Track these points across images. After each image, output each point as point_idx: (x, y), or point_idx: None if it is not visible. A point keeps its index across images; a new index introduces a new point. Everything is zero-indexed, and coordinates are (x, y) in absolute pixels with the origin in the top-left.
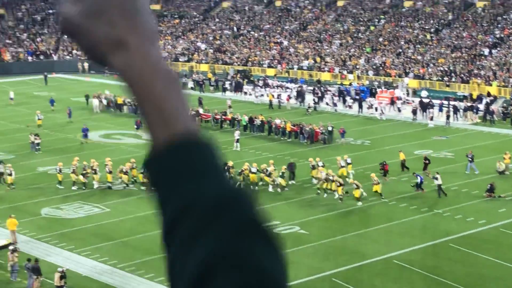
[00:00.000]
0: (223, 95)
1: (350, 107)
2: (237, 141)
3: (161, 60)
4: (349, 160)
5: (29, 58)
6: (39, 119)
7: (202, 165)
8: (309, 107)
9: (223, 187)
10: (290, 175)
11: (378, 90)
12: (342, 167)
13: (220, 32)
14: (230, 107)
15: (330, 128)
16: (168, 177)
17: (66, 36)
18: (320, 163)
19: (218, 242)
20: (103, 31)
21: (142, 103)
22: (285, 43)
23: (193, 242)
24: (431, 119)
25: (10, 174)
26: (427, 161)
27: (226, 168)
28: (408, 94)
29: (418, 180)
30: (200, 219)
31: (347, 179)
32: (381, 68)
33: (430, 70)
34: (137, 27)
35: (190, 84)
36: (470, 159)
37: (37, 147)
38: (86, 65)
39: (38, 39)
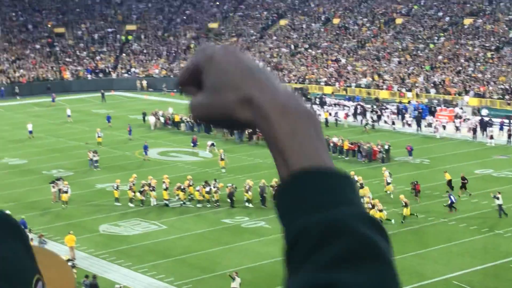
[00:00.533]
0: None
1: (408, 125)
2: None
3: (290, 100)
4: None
5: (89, 76)
6: (99, 137)
7: (331, 194)
8: (366, 125)
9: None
10: None
11: (438, 108)
12: (389, 183)
13: (277, 50)
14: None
15: (386, 147)
16: (292, 205)
17: (198, 121)
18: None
19: (315, 270)
20: (229, 99)
21: (268, 145)
22: (343, 60)
23: (296, 268)
24: (491, 137)
25: (66, 192)
26: (465, 181)
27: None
28: (463, 112)
29: (450, 200)
30: (309, 244)
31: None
32: (440, 86)
33: (490, 88)
34: (258, 80)
35: None
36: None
37: (95, 164)
38: (144, 83)
39: (97, 57)
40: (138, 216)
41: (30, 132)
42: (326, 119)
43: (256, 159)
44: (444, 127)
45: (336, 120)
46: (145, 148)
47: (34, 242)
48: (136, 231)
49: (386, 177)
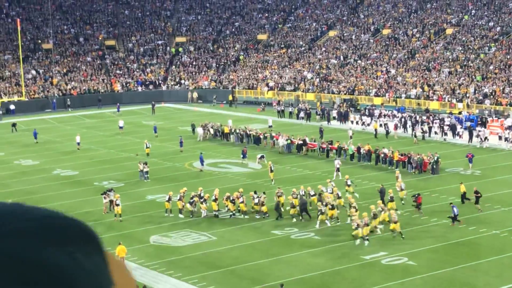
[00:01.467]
0: (329, 124)
1: (460, 136)
2: (338, 170)
3: None
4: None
5: (139, 88)
6: (147, 148)
7: None
8: (415, 136)
9: None
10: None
11: (489, 119)
12: (402, 190)
13: (326, 61)
14: (351, 137)
15: (436, 158)
16: None
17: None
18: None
19: None
20: None
21: None
22: (393, 71)
23: None
24: None
25: (118, 205)
26: (478, 195)
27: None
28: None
29: (453, 212)
30: None
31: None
32: (491, 96)
33: None
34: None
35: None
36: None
37: (146, 176)
38: (195, 94)
39: (148, 69)
40: (188, 227)
41: (78, 143)
42: (376, 130)
43: (305, 170)
44: (487, 138)
45: (386, 131)
46: (201, 159)
47: None
48: (186, 242)
49: (400, 183)
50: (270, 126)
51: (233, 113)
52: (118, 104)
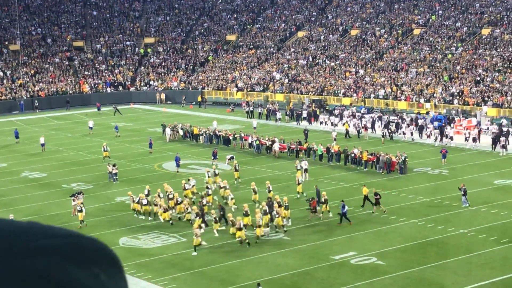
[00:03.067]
0: (298, 125)
1: (428, 136)
2: (306, 171)
3: None
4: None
5: (108, 89)
6: (105, 151)
7: None
8: (383, 136)
9: None
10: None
11: (456, 118)
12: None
13: (295, 61)
14: (335, 139)
15: (403, 158)
16: None
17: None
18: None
19: None
20: None
21: None
22: (361, 72)
23: None
24: (503, 147)
25: (81, 211)
26: (378, 196)
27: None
28: (479, 123)
29: (342, 210)
30: None
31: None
32: (458, 96)
33: (509, 98)
34: None
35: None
36: (463, 192)
37: (115, 177)
38: (163, 95)
39: (116, 71)
40: (158, 229)
41: (43, 145)
42: (347, 130)
43: (275, 171)
44: (452, 138)
45: (358, 131)
46: (177, 160)
47: None
48: (156, 244)
49: (298, 177)
50: (254, 128)
51: (202, 113)
52: (98, 104)
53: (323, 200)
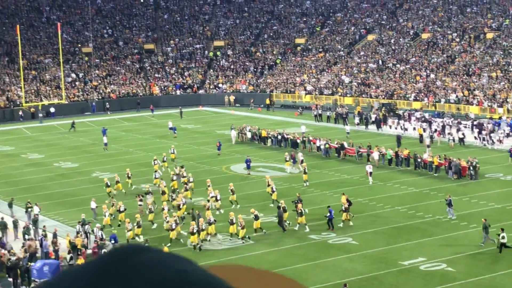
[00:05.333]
0: (367, 129)
1: (500, 141)
2: (370, 174)
3: None
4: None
5: (177, 91)
6: (172, 153)
7: None
8: (453, 141)
9: None
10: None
11: None
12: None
13: (365, 65)
14: (428, 146)
15: (474, 163)
16: None
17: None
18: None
19: None
20: None
21: None
22: (432, 76)
23: None
24: None
25: (151, 211)
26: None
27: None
28: None
29: (329, 216)
30: None
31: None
32: None
33: None
34: None
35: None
36: (448, 203)
37: (183, 179)
38: (232, 98)
39: (186, 73)
40: (226, 231)
41: (105, 144)
42: (421, 135)
43: (343, 175)
44: None
45: (430, 136)
46: (247, 162)
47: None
48: (224, 245)
49: (272, 185)
50: (303, 133)
51: (270, 116)
52: (152, 106)
53: (343, 209)
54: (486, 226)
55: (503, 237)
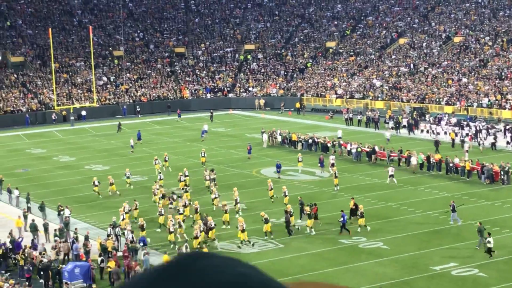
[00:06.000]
0: (398, 133)
1: None
2: (391, 176)
3: None
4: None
5: (207, 95)
6: (203, 156)
7: None
8: (483, 145)
9: None
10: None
11: None
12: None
13: (396, 69)
14: (467, 151)
15: (506, 168)
16: None
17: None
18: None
19: None
20: None
21: None
22: (464, 80)
23: None
24: None
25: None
26: (354, 207)
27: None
28: None
29: (342, 219)
30: None
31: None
32: None
33: None
34: None
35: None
36: (452, 209)
37: (213, 182)
38: (262, 101)
39: (216, 77)
40: (256, 235)
41: (132, 146)
42: (453, 139)
43: (374, 179)
44: None
45: (462, 141)
46: (278, 166)
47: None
48: (254, 249)
49: (270, 183)
50: (339, 137)
51: (301, 120)
52: (179, 110)
53: (359, 214)
54: (481, 230)
55: (488, 242)
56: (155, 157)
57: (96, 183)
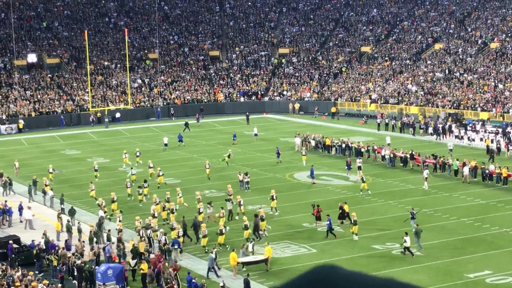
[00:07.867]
0: (433, 139)
1: None
2: (426, 179)
3: None
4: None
5: (241, 98)
6: (228, 157)
7: None
8: (510, 150)
9: None
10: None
11: None
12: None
13: (431, 74)
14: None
15: None
16: None
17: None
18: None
19: None
20: None
21: None
22: (500, 86)
23: None
24: None
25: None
26: (341, 211)
27: None
28: None
29: (328, 223)
30: None
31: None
32: None
33: None
34: None
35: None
36: (411, 216)
37: (246, 186)
38: (296, 105)
39: (251, 80)
40: (288, 239)
41: (166, 145)
42: (487, 146)
43: (408, 185)
44: None
45: (498, 148)
46: (312, 171)
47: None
48: (286, 253)
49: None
50: (388, 144)
51: (335, 125)
52: (197, 115)
53: (353, 221)
54: (417, 232)
55: (405, 241)
56: (124, 151)
57: (129, 185)
